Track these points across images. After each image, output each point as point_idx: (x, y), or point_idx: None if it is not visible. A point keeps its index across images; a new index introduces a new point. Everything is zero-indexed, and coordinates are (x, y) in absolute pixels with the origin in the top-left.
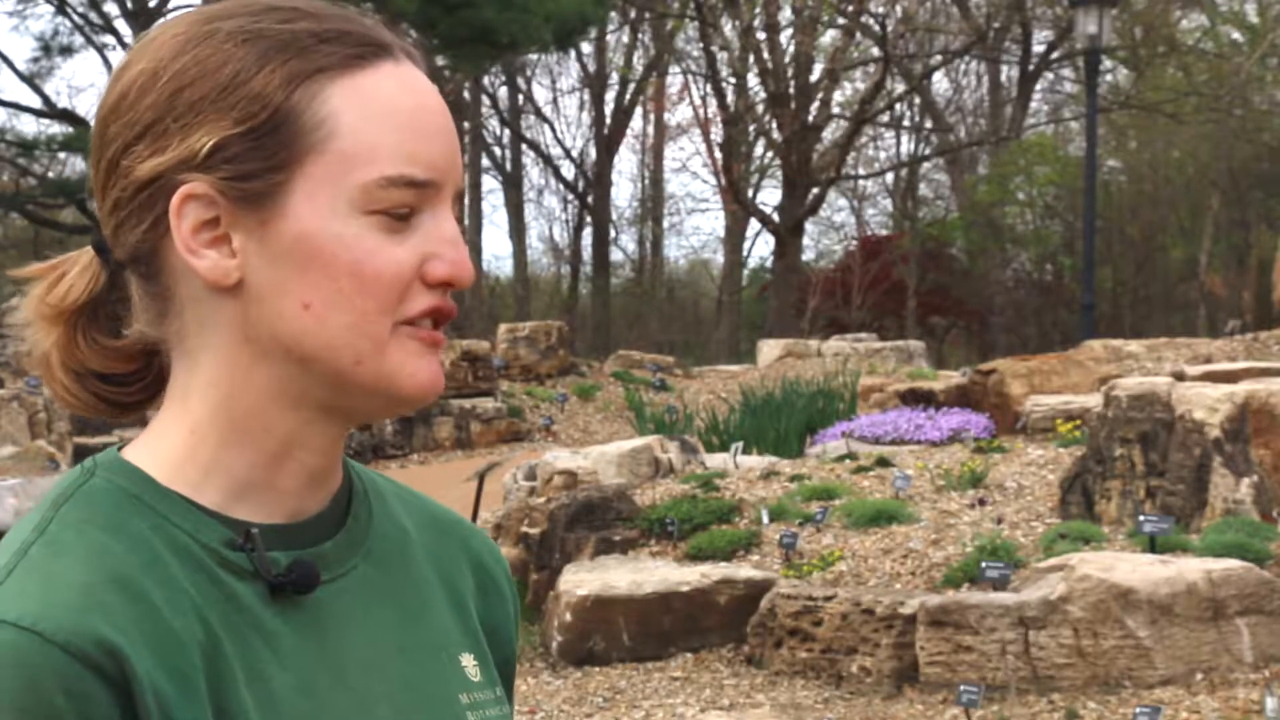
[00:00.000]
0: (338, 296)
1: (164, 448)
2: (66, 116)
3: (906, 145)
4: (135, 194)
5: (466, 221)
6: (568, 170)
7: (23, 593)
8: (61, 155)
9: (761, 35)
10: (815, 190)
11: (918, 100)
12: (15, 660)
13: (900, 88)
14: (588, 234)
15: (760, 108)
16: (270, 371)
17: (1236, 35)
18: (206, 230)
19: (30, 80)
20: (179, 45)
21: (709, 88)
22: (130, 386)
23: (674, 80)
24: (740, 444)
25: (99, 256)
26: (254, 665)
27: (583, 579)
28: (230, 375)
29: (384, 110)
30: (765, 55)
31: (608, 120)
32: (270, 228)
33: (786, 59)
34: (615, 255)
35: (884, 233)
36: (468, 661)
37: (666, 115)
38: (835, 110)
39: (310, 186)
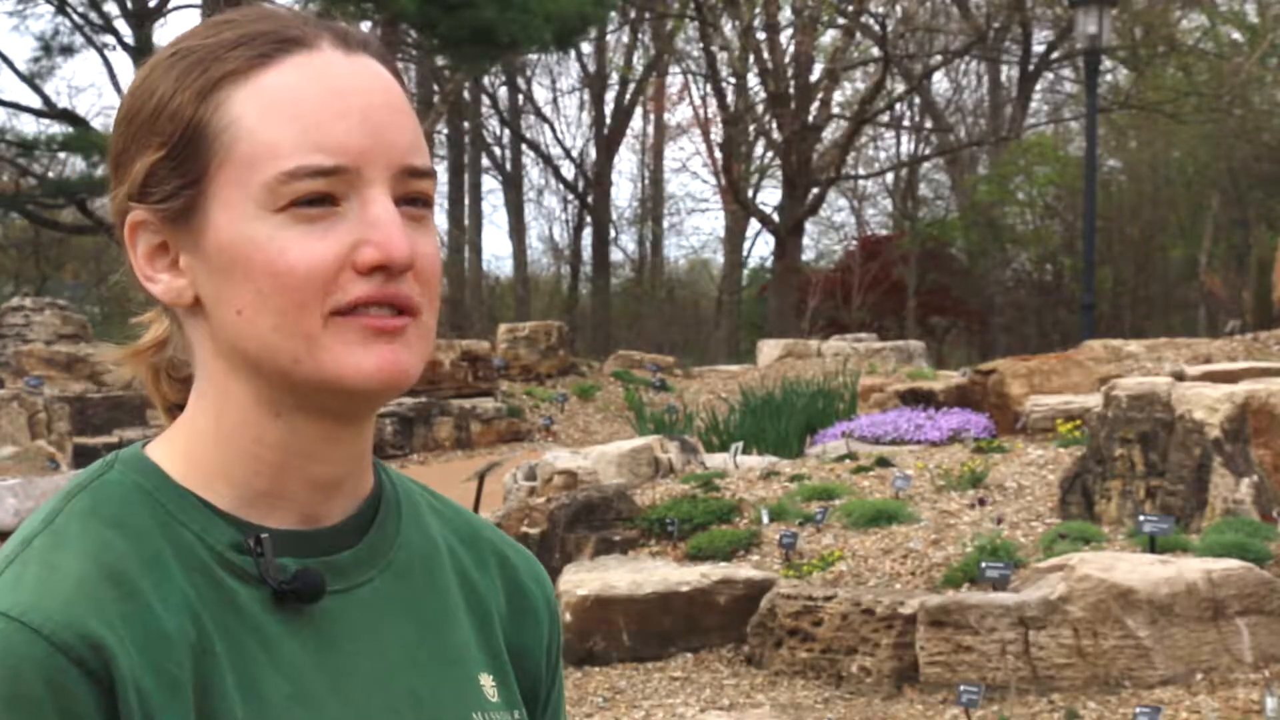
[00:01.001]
0: (259, 298)
1: (180, 449)
2: (66, 116)
3: (906, 145)
4: (121, 229)
5: (467, 221)
6: (568, 170)
7: (18, 583)
8: (61, 155)
9: (761, 35)
10: (815, 190)
11: (918, 100)
12: (3, 649)
13: (900, 88)
14: (588, 234)
15: (760, 108)
16: (244, 381)
17: (1236, 35)
18: (160, 255)
19: (30, 80)
20: (135, 82)
21: (709, 88)
22: None
23: (674, 80)
24: (740, 444)
25: None
26: (247, 670)
27: (583, 579)
28: (215, 388)
29: (283, 104)
30: (765, 55)
31: (608, 120)
32: (202, 242)
33: (786, 59)
34: (615, 255)
35: (884, 233)
36: (486, 681)
37: (666, 115)
38: (835, 110)
39: (224, 194)
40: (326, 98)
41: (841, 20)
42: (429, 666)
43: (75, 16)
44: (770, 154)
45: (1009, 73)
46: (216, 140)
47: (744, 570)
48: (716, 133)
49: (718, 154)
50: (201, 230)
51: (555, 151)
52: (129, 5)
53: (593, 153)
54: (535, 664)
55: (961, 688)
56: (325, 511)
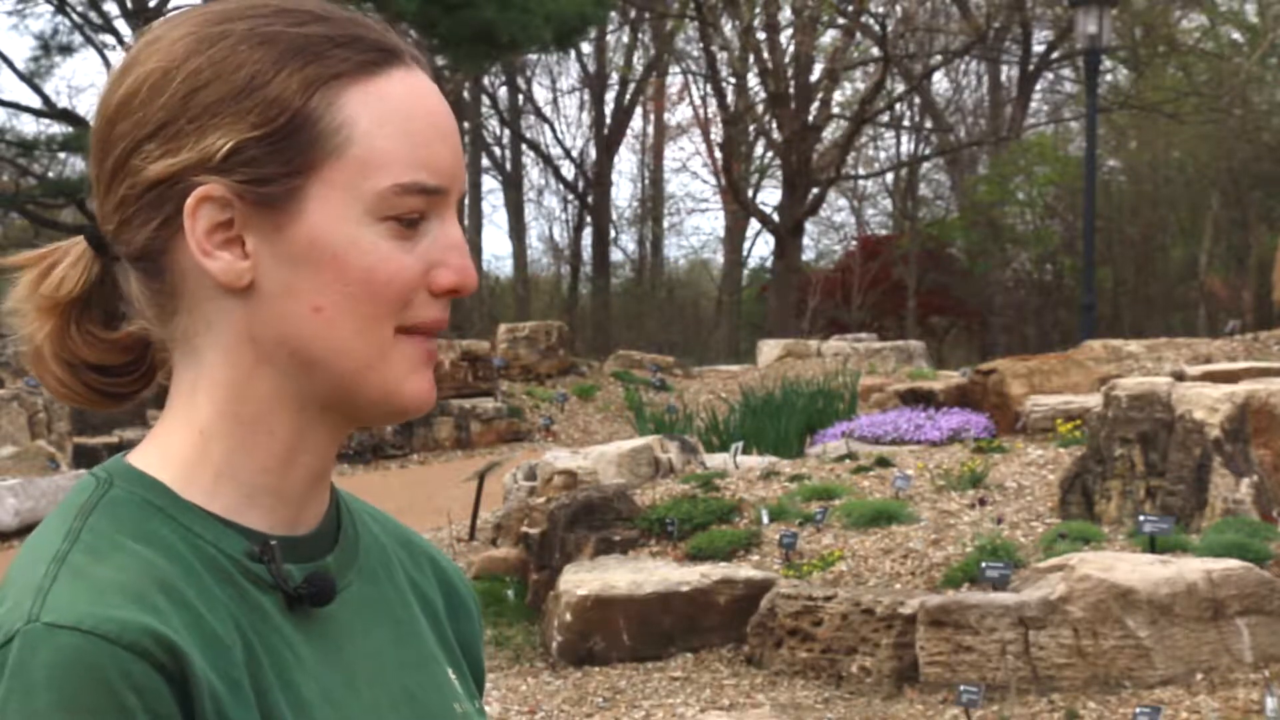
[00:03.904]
0: (349, 301)
1: (174, 451)
2: (66, 116)
3: (906, 145)
4: (144, 193)
5: (466, 221)
6: (568, 170)
7: (74, 598)
8: (61, 155)
9: (761, 35)
10: (815, 190)
11: (918, 100)
12: (82, 662)
13: (900, 88)
14: (588, 234)
15: (760, 108)
16: (274, 373)
17: (1236, 35)
18: (220, 232)
19: (30, 80)
20: (191, 45)
21: (709, 88)
22: (124, 377)
23: (674, 80)
24: (740, 444)
25: (92, 249)
26: (284, 673)
27: (583, 579)
28: (235, 376)
29: (397, 117)
30: (765, 55)
31: (608, 120)
32: (285, 231)
33: (786, 59)
34: (615, 255)
35: (884, 233)
36: (451, 675)
37: (666, 115)
38: (835, 110)
39: (326, 191)
40: (430, 119)
41: (841, 20)
42: (411, 664)
43: (75, 16)
44: (770, 154)
45: (1009, 73)
46: (330, 138)
47: (744, 570)
48: (716, 133)
49: (718, 154)
50: (290, 220)
51: (555, 151)
52: (129, 5)
53: (593, 153)
54: (477, 657)
55: (961, 688)
56: (310, 512)
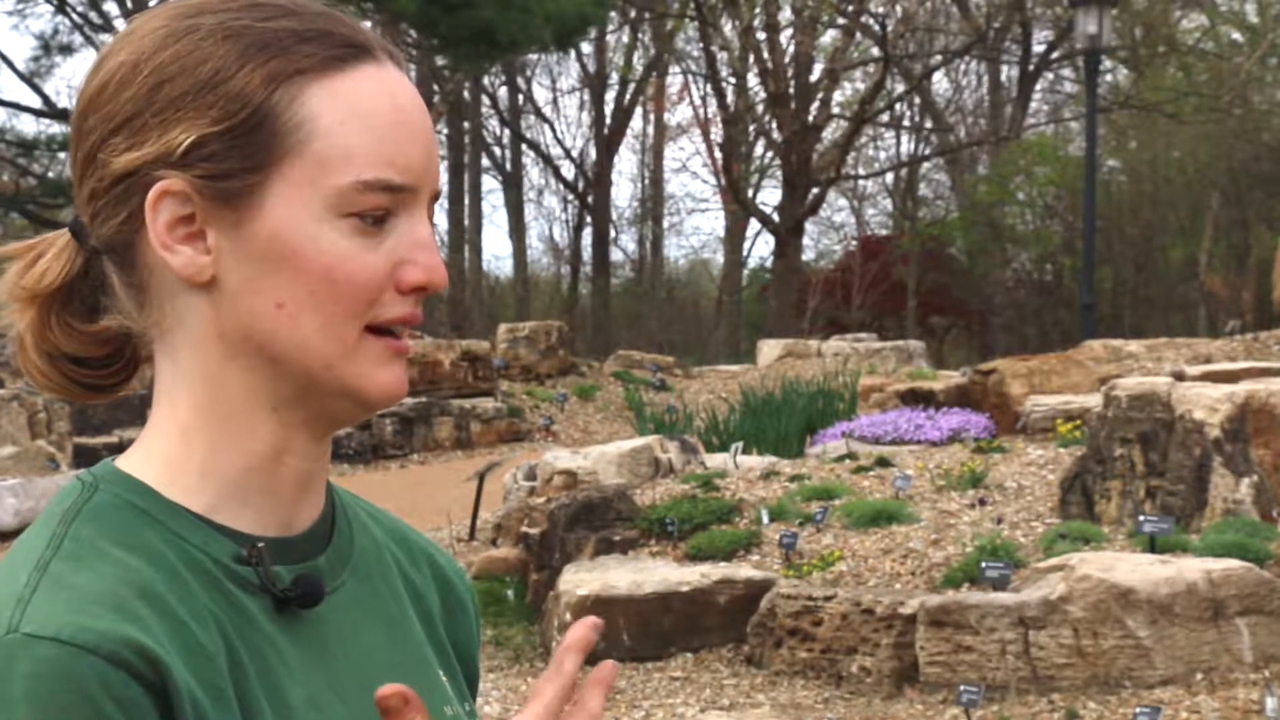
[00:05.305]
0: (310, 299)
1: (159, 451)
2: (66, 116)
3: (906, 145)
4: (111, 186)
5: (466, 221)
6: (568, 170)
7: (53, 608)
8: (61, 155)
9: (761, 35)
10: (815, 190)
11: (918, 100)
12: (61, 673)
13: (900, 88)
14: (588, 234)
15: (760, 108)
16: (244, 370)
17: (1236, 35)
18: (181, 226)
19: (30, 80)
20: (159, 39)
21: (709, 88)
22: (104, 370)
23: (674, 80)
24: (740, 444)
25: (75, 240)
26: (270, 679)
27: (583, 579)
28: (207, 372)
29: (362, 113)
30: (765, 55)
31: (608, 120)
32: (245, 227)
33: (786, 59)
34: (615, 255)
35: (884, 233)
36: (442, 677)
37: (666, 115)
38: (835, 110)
39: (286, 188)
40: (398, 116)
41: (841, 20)
42: (403, 666)
43: (75, 16)
44: (770, 154)
45: (1009, 73)
46: (291, 134)
47: (744, 570)
48: (716, 133)
49: (718, 154)
50: (251, 216)
51: (555, 151)
52: (129, 5)
53: (593, 153)
54: (472, 656)
55: (961, 688)
56: (302, 514)
